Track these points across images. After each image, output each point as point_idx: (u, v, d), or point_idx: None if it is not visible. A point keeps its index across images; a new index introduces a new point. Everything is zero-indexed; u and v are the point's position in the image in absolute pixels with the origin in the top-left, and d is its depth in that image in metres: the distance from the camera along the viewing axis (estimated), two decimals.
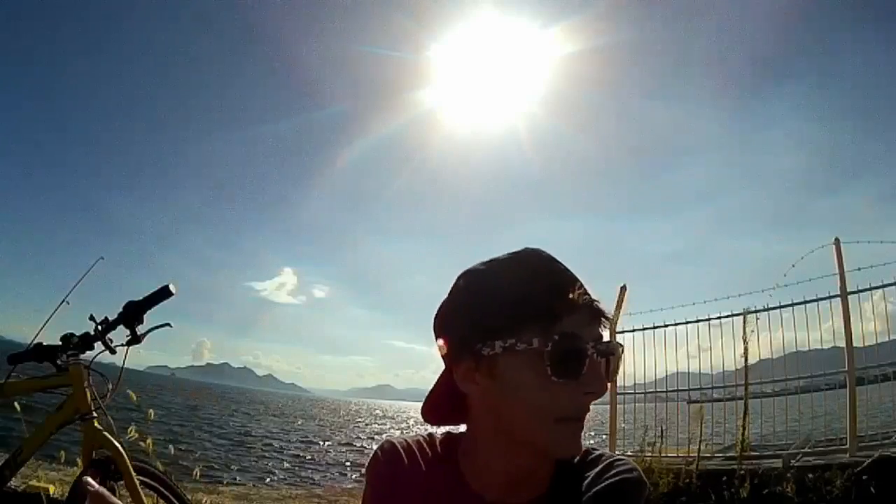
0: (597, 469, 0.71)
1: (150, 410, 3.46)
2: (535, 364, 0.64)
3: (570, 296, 0.66)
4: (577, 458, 0.73)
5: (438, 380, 0.77)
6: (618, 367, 0.72)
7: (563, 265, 0.71)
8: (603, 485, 0.68)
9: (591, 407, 0.75)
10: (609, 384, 0.70)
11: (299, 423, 33.40)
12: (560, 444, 0.67)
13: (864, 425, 4.30)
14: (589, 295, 0.68)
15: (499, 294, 0.68)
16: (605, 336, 0.70)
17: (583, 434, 0.69)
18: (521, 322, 0.65)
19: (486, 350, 0.67)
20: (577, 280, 0.69)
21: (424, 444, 0.79)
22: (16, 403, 2.67)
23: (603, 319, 0.69)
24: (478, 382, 0.69)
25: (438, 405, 0.77)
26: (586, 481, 0.70)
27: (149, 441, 2.87)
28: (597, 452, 0.74)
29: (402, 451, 0.78)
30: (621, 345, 0.72)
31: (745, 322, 4.63)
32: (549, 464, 0.73)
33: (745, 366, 4.61)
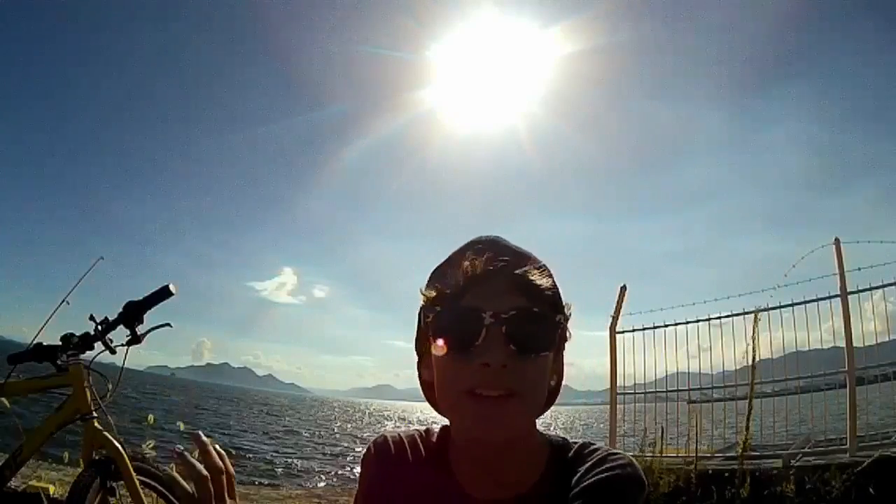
0: (589, 462, 0.68)
1: (151, 416, 3.49)
2: (433, 339, 0.67)
3: (466, 264, 0.66)
4: (573, 450, 0.72)
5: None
6: (540, 333, 0.66)
7: (496, 243, 0.69)
8: (592, 480, 0.65)
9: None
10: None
11: (299, 423, 33.40)
12: (464, 420, 0.66)
13: (864, 425, 4.30)
14: (499, 265, 0.66)
15: (431, 278, 0.72)
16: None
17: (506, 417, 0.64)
18: (435, 300, 0.68)
19: (419, 333, 0.72)
20: (488, 253, 0.67)
21: (419, 440, 0.79)
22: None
23: (528, 288, 0.66)
24: (426, 367, 0.73)
25: None
26: (577, 475, 0.67)
27: (149, 444, 2.87)
28: (594, 446, 0.72)
29: (394, 445, 0.78)
30: (550, 314, 0.66)
31: (756, 320, 4.59)
32: (532, 454, 0.72)
33: (753, 365, 4.57)
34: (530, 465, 0.71)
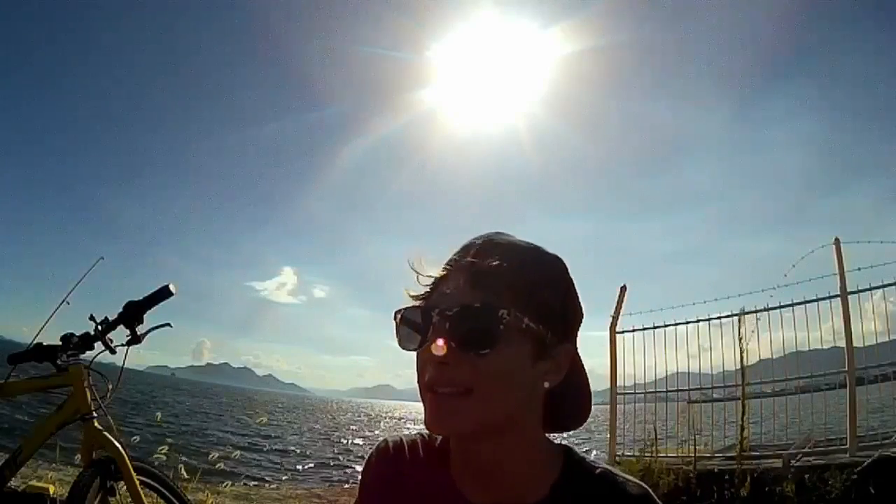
0: (613, 493, 0.65)
1: (159, 413, 3.50)
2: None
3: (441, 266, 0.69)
4: (589, 470, 0.68)
5: None
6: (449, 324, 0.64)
7: (486, 240, 0.70)
8: None
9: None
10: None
11: (299, 423, 33.37)
12: (424, 415, 0.67)
13: (864, 425, 4.29)
14: (461, 263, 0.67)
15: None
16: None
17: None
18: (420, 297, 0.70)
19: None
20: (460, 252, 0.69)
21: (420, 444, 0.77)
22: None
23: (484, 285, 0.64)
24: None
25: None
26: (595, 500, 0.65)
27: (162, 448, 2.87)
28: (602, 467, 0.68)
29: (395, 451, 0.77)
30: (493, 311, 0.63)
31: (741, 322, 4.63)
32: (537, 466, 0.68)
33: (743, 366, 4.61)
34: (535, 477, 0.67)
